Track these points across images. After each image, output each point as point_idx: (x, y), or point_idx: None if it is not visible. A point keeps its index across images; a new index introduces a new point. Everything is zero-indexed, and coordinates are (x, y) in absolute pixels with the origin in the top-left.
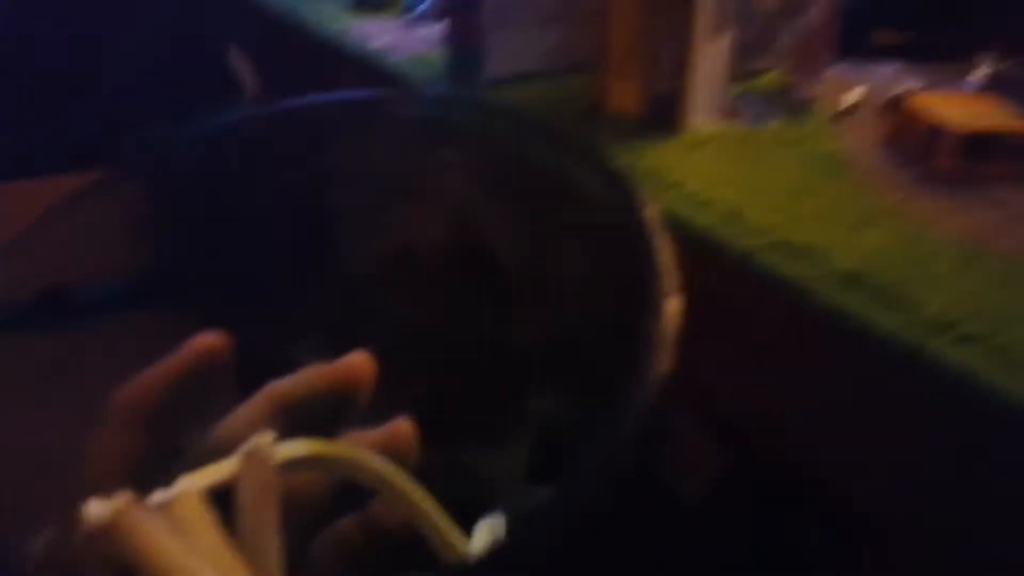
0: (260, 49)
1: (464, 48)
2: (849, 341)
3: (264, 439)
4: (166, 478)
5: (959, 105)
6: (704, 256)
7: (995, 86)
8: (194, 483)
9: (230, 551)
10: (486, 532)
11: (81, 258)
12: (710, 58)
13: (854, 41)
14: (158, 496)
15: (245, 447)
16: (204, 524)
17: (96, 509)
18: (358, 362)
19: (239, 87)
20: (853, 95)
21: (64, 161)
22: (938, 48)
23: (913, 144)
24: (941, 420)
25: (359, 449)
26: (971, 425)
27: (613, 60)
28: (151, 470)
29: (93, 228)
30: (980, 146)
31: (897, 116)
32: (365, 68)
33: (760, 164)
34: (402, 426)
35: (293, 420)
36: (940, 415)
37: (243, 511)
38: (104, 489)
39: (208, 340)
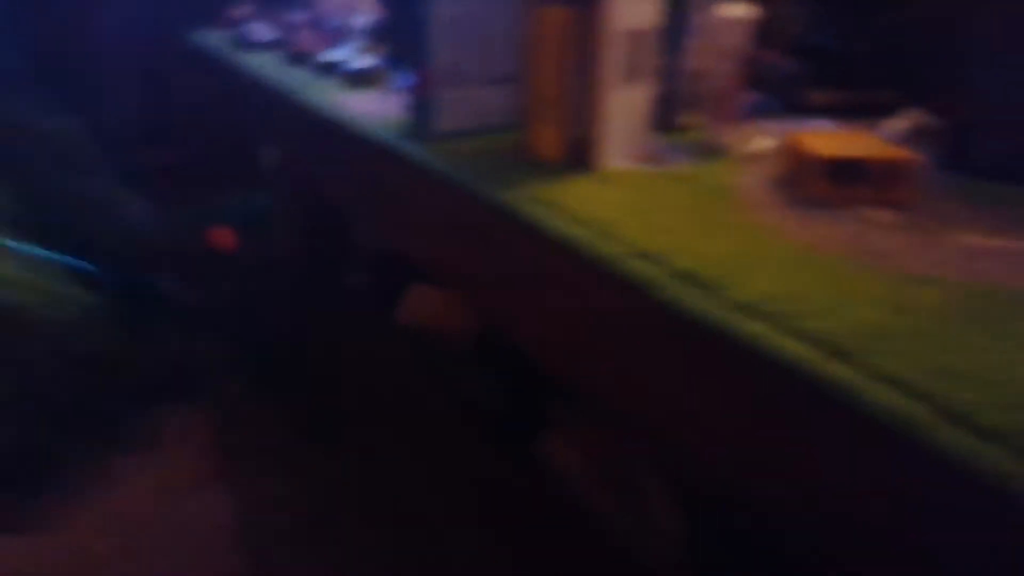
0: (277, 125)
1: (420, 106)
2: (683, 328)
3: None
4: None
5: (831, 140)
6: (580, 263)
7: (912, 137)
8: None
9: None
10: None
11: None
12: (622, 108)
13: (794, 100)
14: None
15: None
16: None
17: None
18: None
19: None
20: (762, 142)
21: None
22: (867, 106)
23: (792, 174)
24: (744, 383)
25: None
26: (767, 385)
27: (537, 111)
28: None
29: None
30: (845, 172)
31: (784, 153)
32: (343, 130)
33: (653, 194)
34: None
35: None
36: (742, 379)
37: None
38: None
39: None
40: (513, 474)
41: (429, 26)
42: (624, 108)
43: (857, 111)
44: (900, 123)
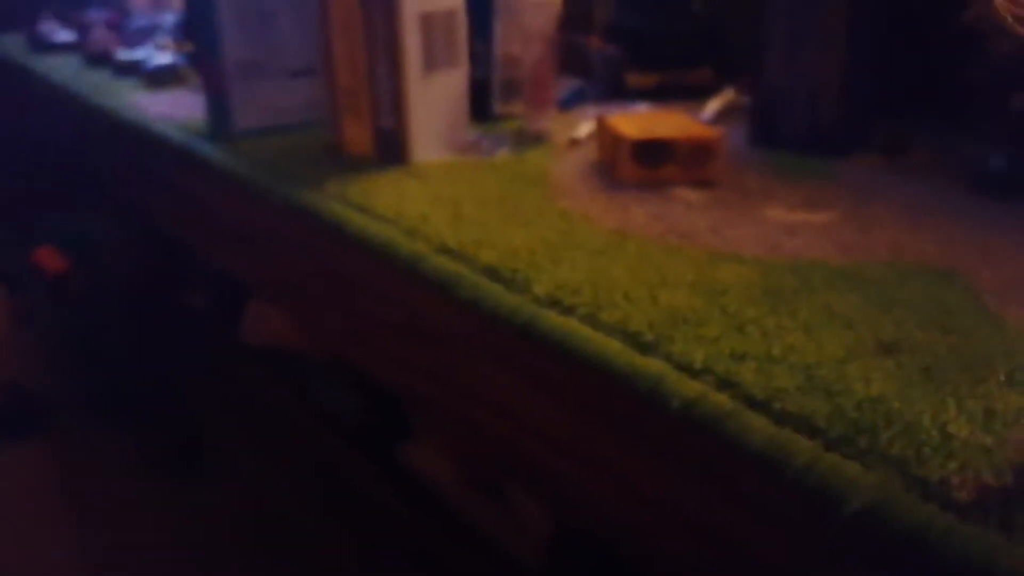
0: (86, 135)
1: (214, 104)
2: (488, 326)
3: None
4: None
5: (640, 121)
6: (385, 264)
7: (725, 115)
8: None
9: None
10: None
11: None
12: (431, 97)
13: (614, 84)
14: None
15: None
16: None
17: None
18: None
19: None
20: (581, 128)
21: None
22: (684, 87)
23: (607, 159)
24: (551, 378)
25: None
26: (580, 384)
27: (341, 104)
28: None
29: None
30: (653, 153)
31: (599, 137)
32: (139, 133)
33: (467, 186)
34: None
35: None
36: (550, 374)
37: None
38: None
39: None
40: (380, 482)
41: (217, 16)
42: (434, 97)
43: (675, 92)
44: (714, 103)
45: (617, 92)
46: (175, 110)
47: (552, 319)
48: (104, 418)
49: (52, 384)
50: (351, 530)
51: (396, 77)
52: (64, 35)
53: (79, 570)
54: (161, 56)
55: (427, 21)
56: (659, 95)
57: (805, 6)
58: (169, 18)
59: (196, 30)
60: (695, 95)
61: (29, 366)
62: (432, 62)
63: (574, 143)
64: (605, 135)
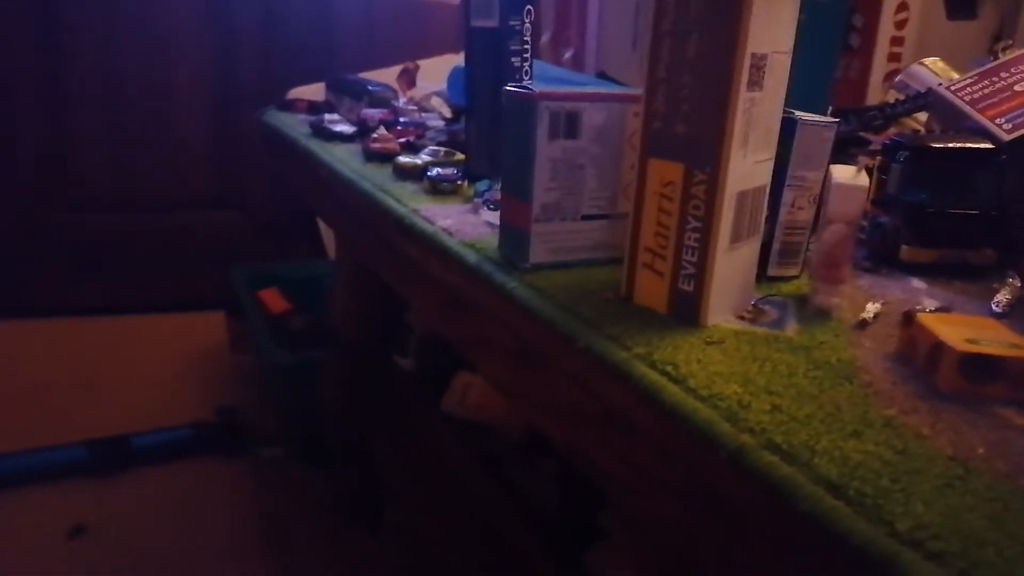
0: (342, 218)
1: (513, 236)
2: (828, 547)
3: None
4: None
5: (959, 327)
6: (702, 449)
7: (1018, 308)
8: None
9: None
10: None
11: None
12: (730, 266)
13: (886, 256)
14: None
15: None
16: None
17: None
18: None
19: (321, 247)
20: (871, 308)
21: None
22: (966, 267)
23: (918, 360)
24: None
25: None
26: None
27: (641, 259)
28: None
29: (158, 379)
30: (980, 367)
31: (906, 331)
32: (429, 245)
33: (769, 365)
34: None
35: None
36: None
37: None
38: None
39: None
40: None
41: (536, 168)
42: (733, 265)
43: (952, 270)
44: (1005, 294)
45: (886, 262)
46: (461, 227)
47: (917, 563)
48: (299, 454)
49: (259, 413)
50: None
51: (704, 248)
52: (345, 127)
53: None
54: (442, 168)
55: (741, 198)
56: (934, 272)
57: None
58: (434, 122)
59: (508, 171)
60: (973, 275)
61: (241, 393)
62: (738, 235)
63: (861, 324)
64: (917, 333)
